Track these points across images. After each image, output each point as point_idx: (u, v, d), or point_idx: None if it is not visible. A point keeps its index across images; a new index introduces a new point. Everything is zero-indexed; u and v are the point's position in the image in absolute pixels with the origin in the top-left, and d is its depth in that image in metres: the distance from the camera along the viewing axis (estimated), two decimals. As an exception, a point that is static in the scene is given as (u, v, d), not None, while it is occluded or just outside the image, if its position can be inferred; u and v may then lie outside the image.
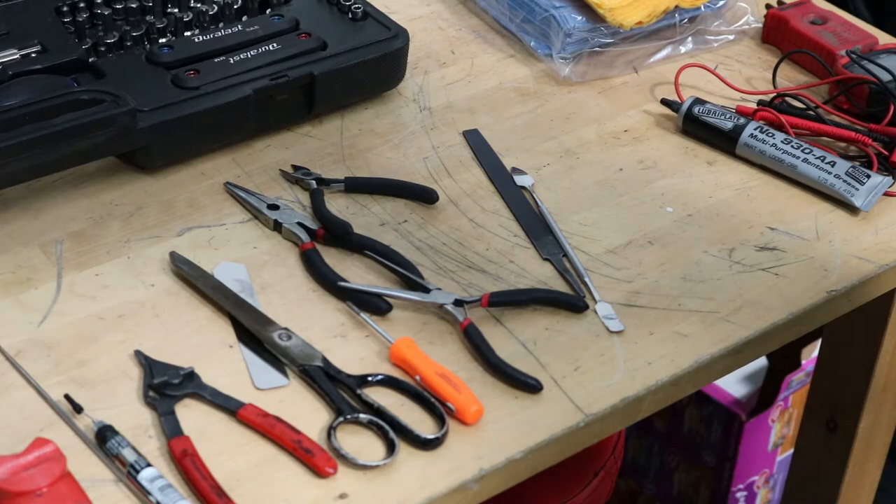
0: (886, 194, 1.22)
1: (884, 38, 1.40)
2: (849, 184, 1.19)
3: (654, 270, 1.13)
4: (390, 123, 1.27)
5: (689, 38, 1.39)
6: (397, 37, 1.26)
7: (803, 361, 1.80)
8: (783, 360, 1.81)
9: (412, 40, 1.30)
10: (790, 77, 1.37)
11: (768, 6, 1.43)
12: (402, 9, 1.42)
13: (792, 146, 1.23)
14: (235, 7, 1.28)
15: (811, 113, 1.29)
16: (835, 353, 1.40)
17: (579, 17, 1.33)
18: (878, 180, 1.20)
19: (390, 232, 1.14)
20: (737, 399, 1.82)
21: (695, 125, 1.27)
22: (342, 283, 1.07)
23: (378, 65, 1.26)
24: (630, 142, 1.27)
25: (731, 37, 1.42)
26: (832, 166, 1.21)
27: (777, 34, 1.41)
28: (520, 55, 1.37)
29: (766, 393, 1.83)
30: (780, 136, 1.24)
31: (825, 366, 1.43)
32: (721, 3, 1.40)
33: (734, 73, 1.37)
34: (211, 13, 1.27)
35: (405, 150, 1.24)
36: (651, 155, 1.26)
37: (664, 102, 1.30)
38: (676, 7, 1.36)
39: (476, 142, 1.25)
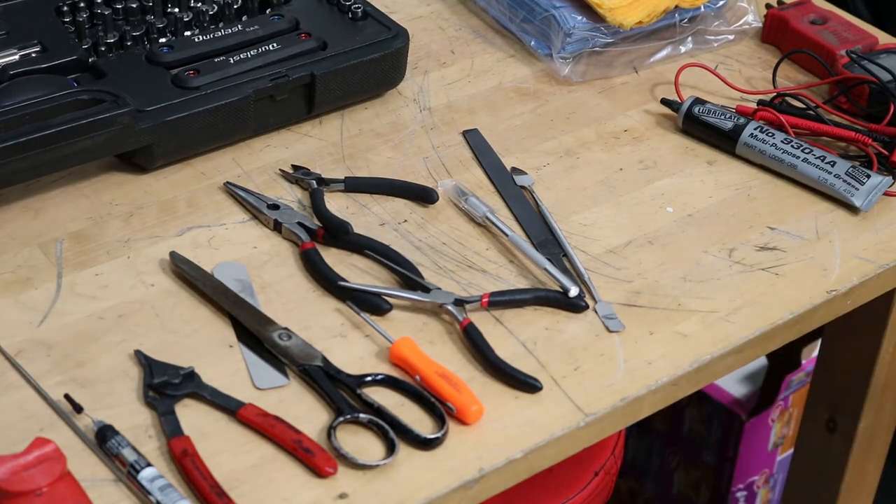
0: (886, 194, 1.22)
1: (884, 38, 1.40)
2: (849, 184, 1.19)
3: (654, 270, 1.13)
4: (390, 123, 1.26)
5: (690, 38, 1.39)
6: (397, 37, 1.26)
7: (803, 361, 1.80)
8: (783, 360, 1.81)
9: (412, 40, 1.30)
10: (790, 77, 1.37)
11: (768, 6, 1.43)
12: (403, 8, 1.42)
13: (792, 146, 1.23)
14: (235, 7, 1.28)
15: (811, 113, 1.29)
16: (835, 352, 1.40)
17: (579, 17, 1.33)
18: (878, 180, 1.20)
19: (390, 231, 1.14)
20: (737, 399, 1.82)
21: (695, 125, 1.26)
22: (342, 283, 1.07)
23: (378, 65, 1.26)
24: (630, 141, 1.27)
25: (732, 37, 1.41)
26: (832, 166, 1.21)
27: (777, 34, 1.41)
28: (520, 55, 1.37)
29: (766, 392, 1.83)
30: (780, 135, 1.24)
31: (825, 366, 1.43)
32: (721, 2, 1.40)
33: (734, 73, 1.37)
34: (211, 13, 1.27)
35: (405, 149, 1.24)
36: (651, 155, 1.26)
37: (664, 102, 1.30)
38: (676, 7, 1.36)
39: (476, 141, 1.25)
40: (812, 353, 1.80)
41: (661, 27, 1.37)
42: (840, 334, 1.37)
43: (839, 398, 1.40)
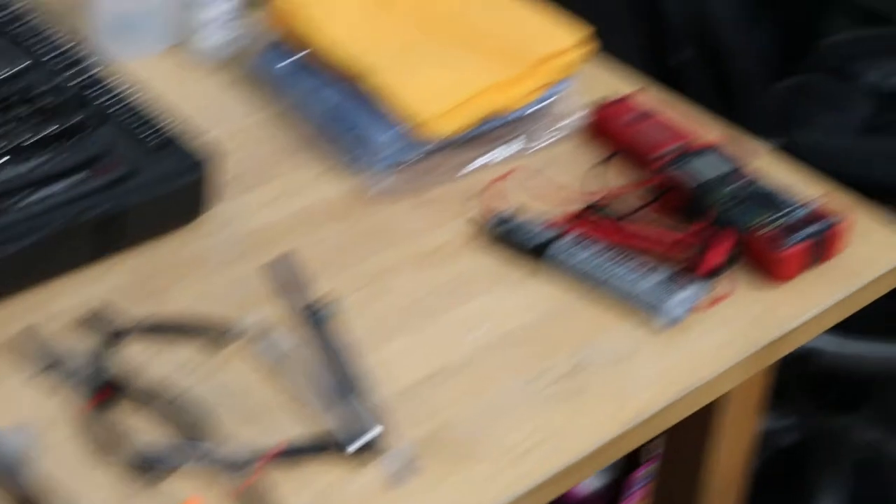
0: (701, 306, 1.19)
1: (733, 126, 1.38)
2: (657, 298, 1.17)
3: (456, 404, 1.10)
4: (196, 255, 1.22)
5: (513, 141, 1.37)
6: (200, 165, 1.23)
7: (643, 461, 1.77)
8: (627, 458, 1.77)
9: (229, 157, 1.27)
10: (623, 176, 1.34)
11: (596, 103, 1.40)
12: (229, 118, 1.37)
13: (603, 258, 1.20)
14: (25, 144, 1.22)
15: (631, 217, 1.26)
16: (673, 452, 1.39)
17: (392, 130, 1.30)
18: (689, 292, 1.18)
19: (185, 377, 1.10)
20: (593, 492, 1.79)
21: (502, 243, 1.24)
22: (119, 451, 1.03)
23: (182, 195, 1.22)
24: (443, 260, 1.24)
25: (557, 136, 1.39)
26: (643, 278, 1.18)
27: (601, 133, 1.39)
28: (337, 169, 1.34)
29: (617, 487, 1.80)
30: (593, 248, 1.21)
31: (665, 464, 1.41)
32: (546, 102, 1.38)
33: (561, 174, 1.34)
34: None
35: (212, 282, 1.20)
36: (464, 272, 1.23)
37: (476, 219, 1.27)
38: (497, 112, 1.34)
39: (283, 270, 1.21)
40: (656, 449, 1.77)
41: (482, 132, 1.35)
42: (675, 437, 1.36)
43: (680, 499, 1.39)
